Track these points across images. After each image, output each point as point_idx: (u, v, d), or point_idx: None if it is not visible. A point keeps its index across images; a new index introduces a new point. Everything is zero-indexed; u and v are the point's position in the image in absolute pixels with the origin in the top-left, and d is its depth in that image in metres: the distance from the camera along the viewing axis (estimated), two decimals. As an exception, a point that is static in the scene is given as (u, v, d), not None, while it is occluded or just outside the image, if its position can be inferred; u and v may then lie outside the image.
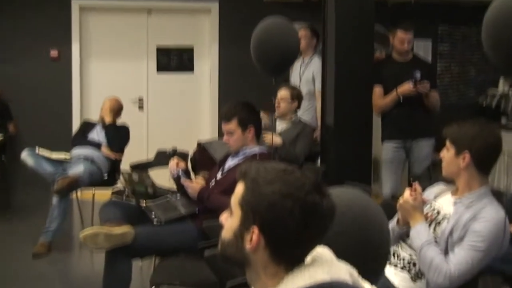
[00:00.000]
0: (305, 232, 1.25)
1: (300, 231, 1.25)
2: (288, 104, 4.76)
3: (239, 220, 1.30)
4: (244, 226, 1.29)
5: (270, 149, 3.78)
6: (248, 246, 1.28)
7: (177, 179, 3.58)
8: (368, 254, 1.50)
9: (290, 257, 1.28)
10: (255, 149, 3.53)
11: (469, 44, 7.49)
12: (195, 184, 3.46)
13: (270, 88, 4.32)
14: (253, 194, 1.27)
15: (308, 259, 1.31)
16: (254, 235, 1.27)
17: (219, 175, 3.51)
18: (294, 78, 5.59)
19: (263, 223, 1.26)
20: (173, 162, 3.58)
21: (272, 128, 4.60)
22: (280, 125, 4.79)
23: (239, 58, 6.97)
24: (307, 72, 5.47)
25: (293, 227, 1.24)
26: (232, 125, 3.46)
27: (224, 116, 3.50)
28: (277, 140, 4.37)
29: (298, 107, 4.84)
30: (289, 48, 3.89)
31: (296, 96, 4.79)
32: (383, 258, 1.58)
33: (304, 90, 5.22)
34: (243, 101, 3.60)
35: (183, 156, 5.26)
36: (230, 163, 3.54)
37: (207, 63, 7.18)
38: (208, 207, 3.35)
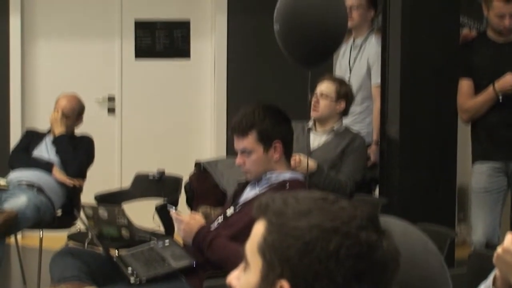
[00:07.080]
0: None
1: (350, 286, 1.25)
2: (331, 103, 4.73)
3: (259, 274, 1.31)
4: (267, 283, 1.29)
5: (305, 176, 3.80)
6: None
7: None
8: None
9: None
10: (285, 174, 3.56)
11: None
12: (191, 220, 3.45)
13: (304, 80, 4.32)
14: (279, 233, 1.28)
15: None
16: None
17: (230, 211, 3.54)
18: (342, 69, 5.57)
19: (295, 275, 1.26)
20: (178, 216, 3.51)
21: (305, 144, 4.62)
22: (317, 137, 4.78)
23: (256, 36, 7.00)
24: (359, 60, 5.45)
25: (341, 279, 1.24)
26: (248, 142, 3.49)
27: (236, 129, 3.52)
28: (310, 163, 4.38)
29: (346, 112, 4.82)
30: (334, 22, 3.92)
31: (344, 95, 4.76)
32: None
33: (355, 86, 5.21)
34: (263, 103, 3.61)
35: (174, 182, 5.29)
36: (249, 194, 3.57)
37: (209, 45, 7.24)
38: (210, 259, 3.36)
